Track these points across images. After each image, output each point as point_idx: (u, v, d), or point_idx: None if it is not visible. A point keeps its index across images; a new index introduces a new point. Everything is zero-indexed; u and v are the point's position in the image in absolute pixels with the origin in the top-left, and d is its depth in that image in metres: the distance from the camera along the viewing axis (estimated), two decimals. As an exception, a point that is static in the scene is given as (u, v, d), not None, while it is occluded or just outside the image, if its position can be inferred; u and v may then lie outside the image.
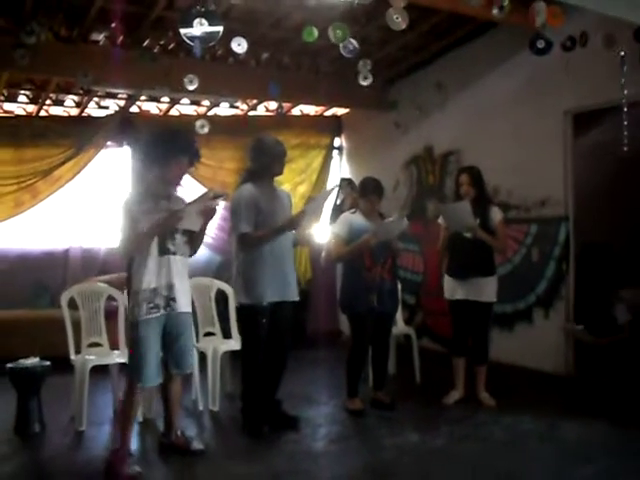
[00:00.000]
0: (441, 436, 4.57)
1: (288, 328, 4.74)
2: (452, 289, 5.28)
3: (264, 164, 4.68)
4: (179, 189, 4.14)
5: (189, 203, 4.01)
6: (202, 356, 5.32)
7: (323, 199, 4.83)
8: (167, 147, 3.95)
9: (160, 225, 3.89)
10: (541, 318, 6.17)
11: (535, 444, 4.37)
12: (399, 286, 5.90)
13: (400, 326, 6.23)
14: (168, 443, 4.19)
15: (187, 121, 8.00)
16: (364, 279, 5.02)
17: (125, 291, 4.09)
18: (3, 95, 7.17)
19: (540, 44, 4.85)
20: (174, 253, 3.97)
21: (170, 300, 3.97)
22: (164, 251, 3.92)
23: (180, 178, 4.11)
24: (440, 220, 5.40)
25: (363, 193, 5.21)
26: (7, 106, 7.53)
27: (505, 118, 6.44)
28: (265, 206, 4.57)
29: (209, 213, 4.02)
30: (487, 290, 5.19)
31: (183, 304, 4.06)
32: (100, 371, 4.98)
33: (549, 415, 4.92)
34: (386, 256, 5.10)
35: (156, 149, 3.96)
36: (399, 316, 6.26)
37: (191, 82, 5.91)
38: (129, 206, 3.87)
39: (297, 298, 4.76)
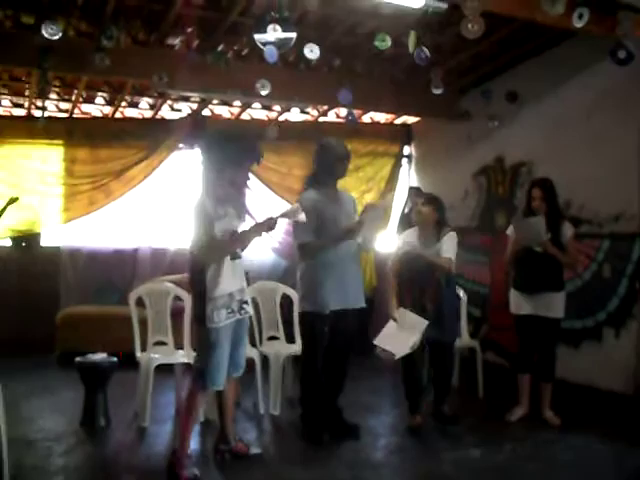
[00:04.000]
0: (502, 453, 4.47)
1: (351, 336, 4.72)
2: (519, 303, 5.17)
3: (326, 167, 4.67)
4: (247, 192, 4.24)
5: (278, 215, 4.05)
6: (264, 360, 5.35)
7: (382, 208, 4.79)
8: (238, 151, 3.96)
9: (249, 235, 3.94)
10: (611, 337, 5.98)
11: (600, 467, 4.24)
12: (463, 300, 5.84)
13: (465, 339, 6.14)
14: (227, 449, 4.19)
15: (258, 126, 8.11)
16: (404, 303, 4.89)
17: (192, 294, 4.07)
18: (82, 97, 7.38)
19: (621, 54, 4.70)
20: (240, 257, 4.02)
21: (243, 304, 4.01)
22: (234, 255, 3.95)
23: (247, 182, 4.12)
24: (509, 232, 5.30)
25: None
26: (85, 107, 7.74)
27: (580, 130, 6.28)
28: (328, 213, 4.55)
29: (272, 226, 4.03)
30: (555, 306, 5.06)
31: (250, 307, 4.12)
32: (165, 369, 5.06)
33: (616, 437, 4.76)
34: (423, 284, 4.88)
35: (227, 153, 3.94)
36: (464, 328, 6.17)
37: (264, 87, 5.97)
38: (204, 210, 3.85)
39: (363, 305, 4.73)
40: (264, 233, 4.04)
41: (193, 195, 3.98)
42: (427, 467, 4.25)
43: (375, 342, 4.74)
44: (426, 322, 4.68)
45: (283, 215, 4.08)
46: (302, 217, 4.11)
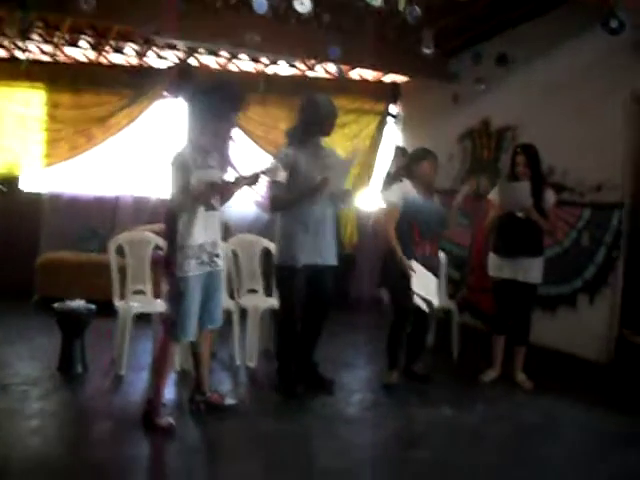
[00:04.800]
0: (474, 414, 4.55)
1: (326, 292, 4.75)
2: (498, 267, 5.21)
3: (313, 123, 4.64)
4: (231, 144, 4.25)
5: (258, 172, 4.05)
6: (243, 312, 5.37)
7: (347, 163, 4.81)
8: (223, 102, 3.93)
9: (228, 188, 3.95)
10: (586, 304, 6.07)
11: (568, 430, 4.33)
12: (442, 262, 5.90)
13: (442, 300, 6.18)
14: (202, 400, 4.23)
15: (245, 78, 8.03)
16: (411, 254, 4.89)
17: (167, 244, 4.07)
18: (65, 40, 7.23)
19: (613, 24, 4.68)
20: (215, 209, 4.00)
21: (214, 256, 4.01)
22: (209, 207, 3.93)
23: (230, 132, 4.08)
24: (491, 196, 5.31)
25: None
26: (68, 51, 7.59)
27: (567, 96, 6.26)
28: (305, 168, 4.53)
29: (254, 182, 4.05)
30: (533, 271, 5.11)
31: (222, 261, 4.14)
32: (142, 318, 5.07)
33: (585, 403, 4.86)
34: (434, 233, 5.02)
35: (212, 103, 3.91)
36: (442, 289, 6.21)
37: (251, 40, 5.88)
38: (183, 160, 3.85)
39: (334, 263, 4.74)
40: (245, 187, 4.05)
41: (176, 145, 3.96)
42: (400, 424, 4.33)
43: (414, 289, 4.79)
44: (436, 279, 4.89)
45: (263, 173, 4.09)
46: (282, 176, 4.12)
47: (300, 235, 4.55)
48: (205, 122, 3.95)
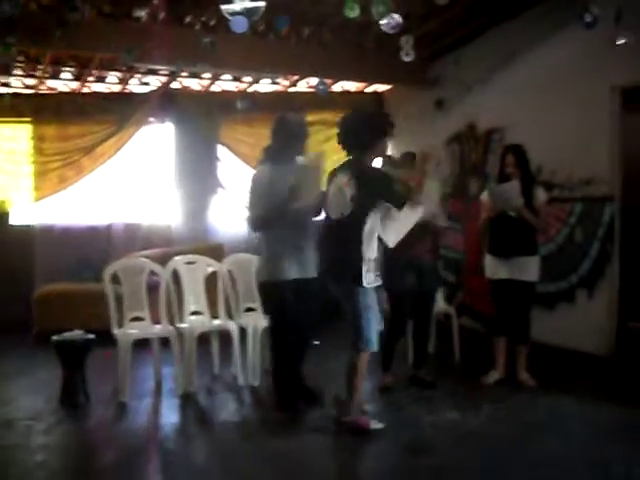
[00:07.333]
0: (480, 416, 4.54)
1: (313, 304, 4.73)
2: (494, 268, 5.23)
3: (286, 144, 4.66)
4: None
5: None
6: (242, 331, 5.36)
7: (313, 168, 4.61)
8: (380, 128, 4.42)
9: None
10: (584, 298, 6.08)
11: (575, 427, 4.32)
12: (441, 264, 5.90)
13: (440, 304, 6.19)
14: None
15: (228, 97, 8.05)
16: (402, 257, 4.96)
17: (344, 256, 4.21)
18: (47, 72, 7.25)
19: (588, 18, 4.74)
20: None
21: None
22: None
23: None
24: (483, 198, 5.33)
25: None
26: (51, 83, 7.61)
27: (550, 94, 6.30)
28: (279, 188, 4.44)
29: None
30: (530, 269, 5.13)
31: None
32: (142, 344, 5.05)
33: (590, 397, 4.87)
34: (424, 234, 5.04)
35: (374, 129, 4.38)
36: (439, 294, 6.22)
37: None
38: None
39: (315, 275, 4.66)
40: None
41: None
42: (406, 431, 4.30)
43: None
44: None
45: None
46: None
47: (284, 250, 4.54)
48: (366, 146, 4.35)
